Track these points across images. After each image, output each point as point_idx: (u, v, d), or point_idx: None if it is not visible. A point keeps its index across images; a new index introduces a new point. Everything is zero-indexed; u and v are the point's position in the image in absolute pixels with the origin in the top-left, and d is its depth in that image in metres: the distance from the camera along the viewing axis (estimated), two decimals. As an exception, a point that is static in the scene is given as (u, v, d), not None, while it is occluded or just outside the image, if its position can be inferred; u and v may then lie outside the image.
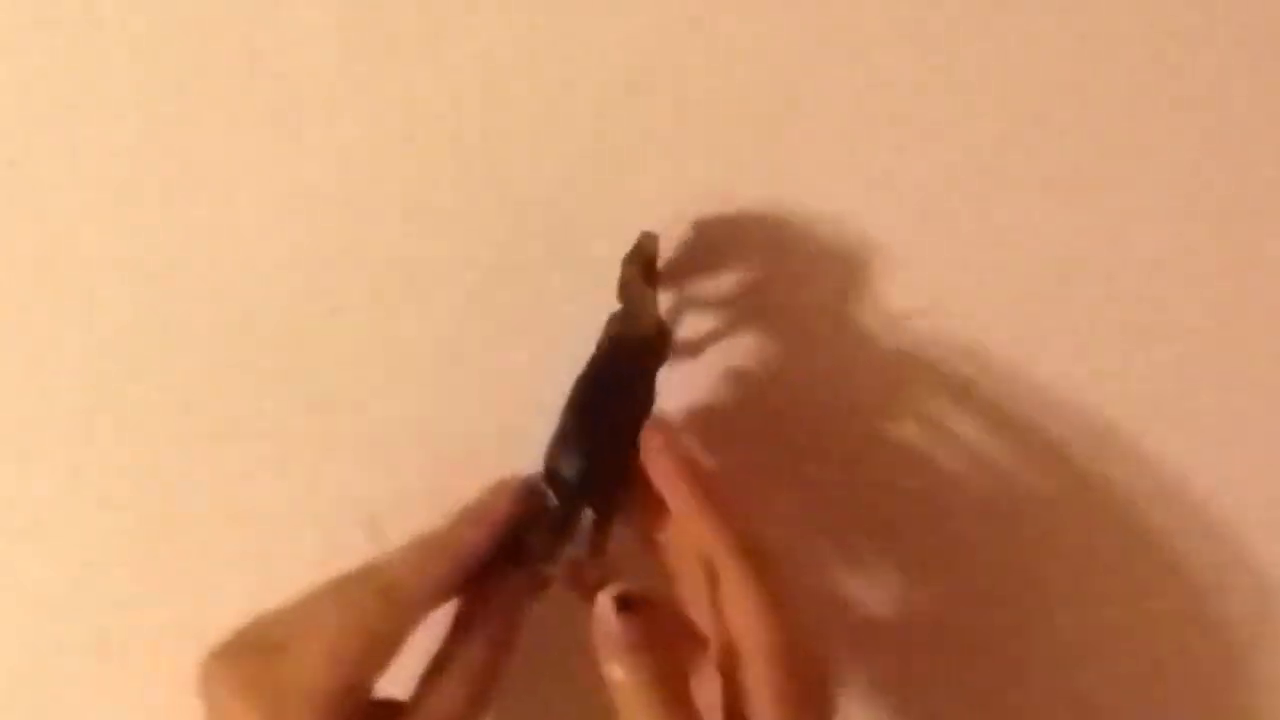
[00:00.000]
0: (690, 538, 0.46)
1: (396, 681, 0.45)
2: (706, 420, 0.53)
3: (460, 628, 0.46)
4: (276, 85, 0.53)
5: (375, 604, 0.44)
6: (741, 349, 0.53)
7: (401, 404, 0.54)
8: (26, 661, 0.55)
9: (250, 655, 0.44)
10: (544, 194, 0.53)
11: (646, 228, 0.52)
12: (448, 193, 0.53)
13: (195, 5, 0.52)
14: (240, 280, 0.53)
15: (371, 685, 0.44)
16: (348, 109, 0.53)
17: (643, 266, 0.49)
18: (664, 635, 0.43)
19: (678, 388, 0.52)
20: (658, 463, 0.46)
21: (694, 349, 0.53)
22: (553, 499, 0.47)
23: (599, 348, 0.49)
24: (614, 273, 0.52)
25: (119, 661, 0.55)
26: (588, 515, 0.47)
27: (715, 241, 0.53)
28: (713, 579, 0.44)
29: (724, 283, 0.53)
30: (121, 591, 0.55)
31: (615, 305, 0.50)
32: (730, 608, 0.44)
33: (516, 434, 0.53)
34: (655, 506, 0.47)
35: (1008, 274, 0.54)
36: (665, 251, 0.52)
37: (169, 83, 0.52)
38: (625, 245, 0.53)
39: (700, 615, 0.46)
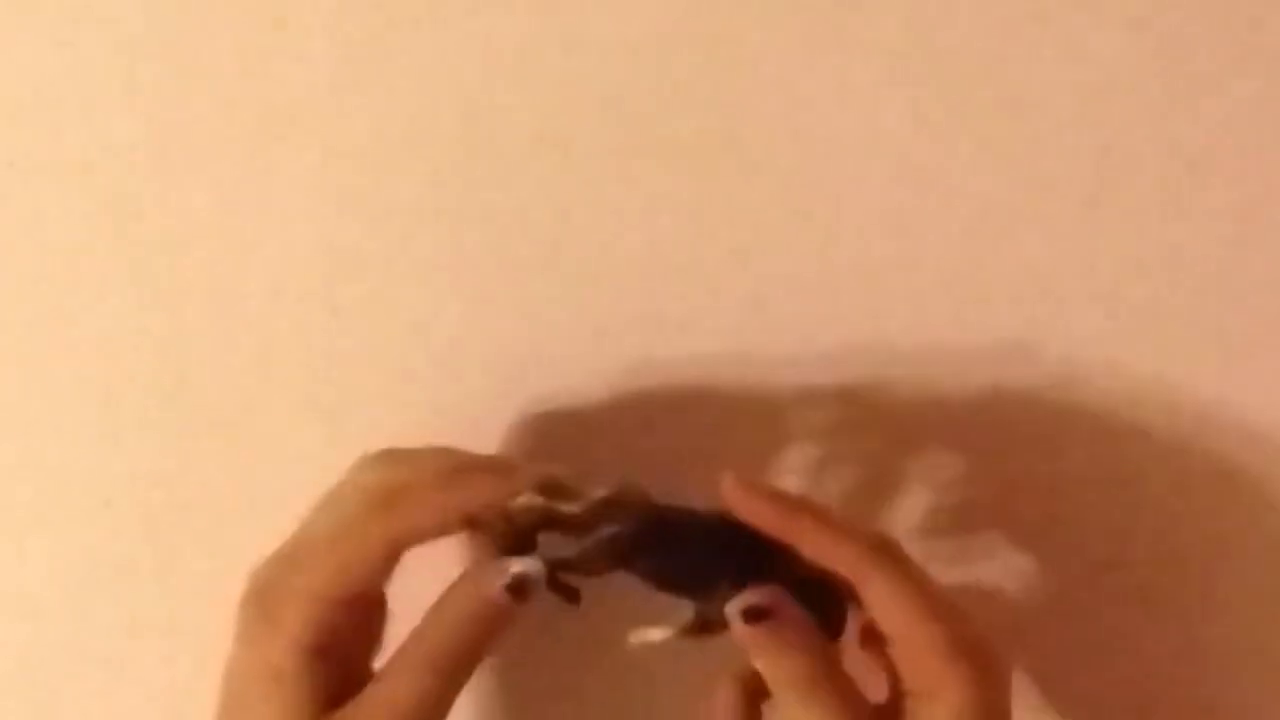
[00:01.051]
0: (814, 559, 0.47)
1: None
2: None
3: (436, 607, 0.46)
4: (279, 86, 0.52)
5: (378, 514, 0.45)
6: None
7: (404, 407, 0.54)
8: (27, 662, 0.55)
9: (265, 568, 0.45)
10: (547, 197, 0.53)
11: (648, 229, 0.52)
12: (450, 195, 0.53)
13: (195, 6, 0.52)
14: (243, 281, 0.53)
15: (367, 599, 0.45)
16: (349, 110, 0.53)
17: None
18: (802, 627, 0.45)
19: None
20: (760, 512, 0.46)
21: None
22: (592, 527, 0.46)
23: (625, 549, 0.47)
24: (616, 275, 0.52)
25: (120, 663, 0.55)
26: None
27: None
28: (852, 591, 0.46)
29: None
30: (122, 594, 0.55)
31: (618, 310, 0.51)
32: (880, 607, 0.45)
33: (521, 435, 0.53)
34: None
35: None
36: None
37: (169, 83, 0.52)
38: (629, 247, 0.53)
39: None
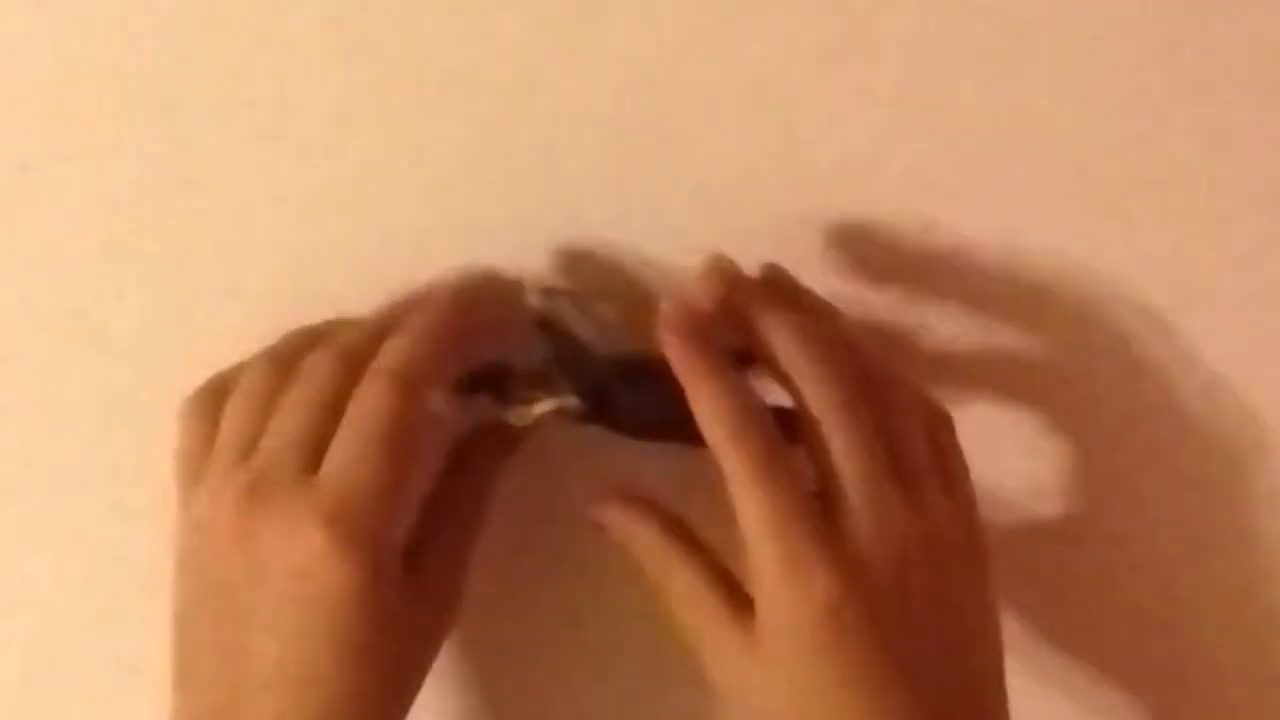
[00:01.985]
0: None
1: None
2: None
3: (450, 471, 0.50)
4: (287, 89, 0.53)
5: (390, 389, 0.46)
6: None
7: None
8: (37, 666, 0.55)
9: (284, 483, 0.45)
10: (551, 201, 0.54)
11: (644, 231, 0.53)
12: (454, 198, 0.54)
13: (202, 11, 0.52)
14: (251, 284, 0.54)
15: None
16: (355, 114, 0.53)
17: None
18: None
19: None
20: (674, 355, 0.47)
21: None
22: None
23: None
24: (622, 278, 0.53)
25: (117, 663, 0.55)
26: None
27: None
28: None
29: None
30: (121, 596, 0.55)
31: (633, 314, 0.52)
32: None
33: (525, 436, 0.53)
34: None
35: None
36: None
37: (178, 87, 0.53)
38: (630, 249, 0.53)
39: None
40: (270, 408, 0.47)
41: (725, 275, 0.47)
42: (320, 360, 0.48)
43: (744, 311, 0.47)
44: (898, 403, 0.48)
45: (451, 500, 0.49)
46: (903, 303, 0.54)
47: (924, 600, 0.45)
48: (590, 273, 0.54)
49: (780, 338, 0.47)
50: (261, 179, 0.53)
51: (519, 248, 0.54)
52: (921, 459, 0.47)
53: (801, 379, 0.46)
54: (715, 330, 0.47)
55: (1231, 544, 0.57)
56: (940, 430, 0.50)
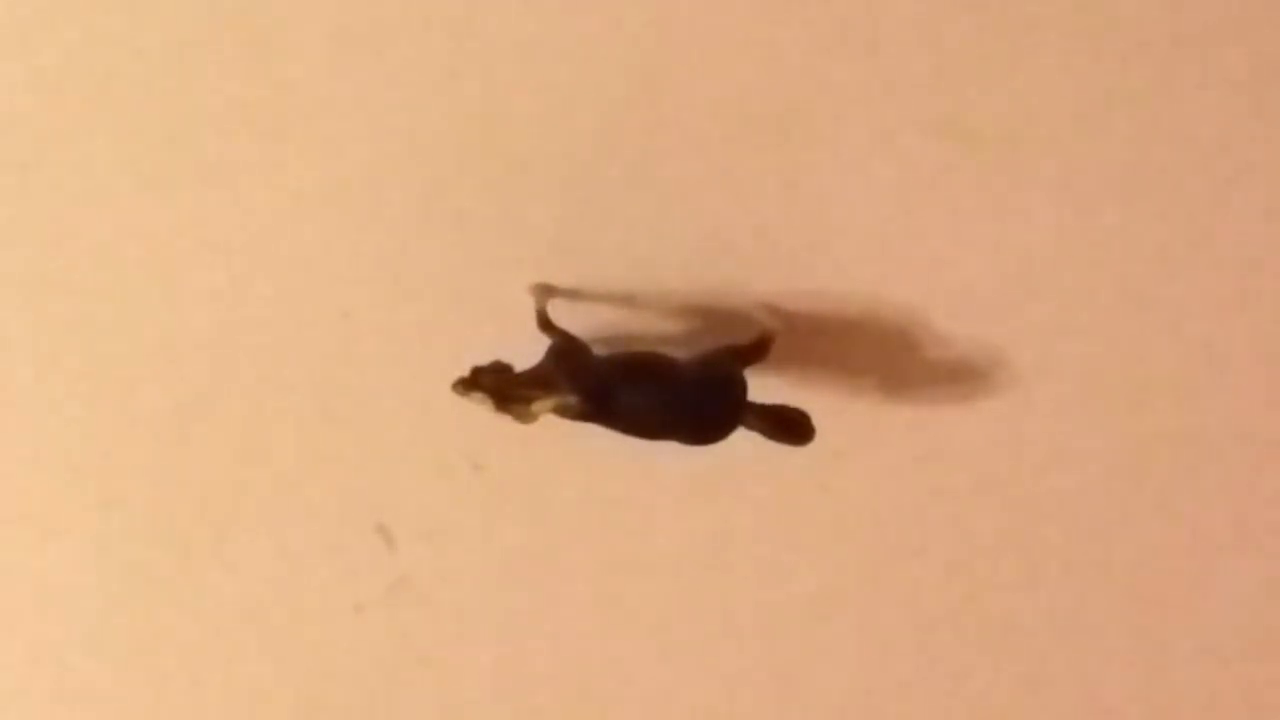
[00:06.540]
0: None
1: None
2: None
3: None
4: (288, 90, 0.53)
5: None
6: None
7: (411, 411, 0.55)
8: (33, 661, 0.56)
9: None
10: (554, 202, 0.54)
11: (646, 232, 0.53)
12: (459, 200, 0.54)
13: (204, 14, 0.52)
14: (251, 284, 0.54)
15: None
16: (359, 115, 0.53)
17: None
18: None
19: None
20: None
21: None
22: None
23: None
24: (625, 280, 0.53)
25: (123, 664, 0.55)
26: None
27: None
28: None
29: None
30: (126, 597, 0.55)
31: (633, 313, 0.52)
32: None
33: (525, 436, 0.54)
34: None
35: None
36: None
37: (179, 89, 0.53)
38: (632, 251, 0.53)
39: None
40: None
41: None
42: None
43: None
44: None
45: None
46: (903, 302, 0.55)
47: None
48: (590, 273, 0.54)
49: None
50: (262, 179, 0.53)
51: (519, 247, 0.54)
52: None
53: None
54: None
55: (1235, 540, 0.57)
56: None
